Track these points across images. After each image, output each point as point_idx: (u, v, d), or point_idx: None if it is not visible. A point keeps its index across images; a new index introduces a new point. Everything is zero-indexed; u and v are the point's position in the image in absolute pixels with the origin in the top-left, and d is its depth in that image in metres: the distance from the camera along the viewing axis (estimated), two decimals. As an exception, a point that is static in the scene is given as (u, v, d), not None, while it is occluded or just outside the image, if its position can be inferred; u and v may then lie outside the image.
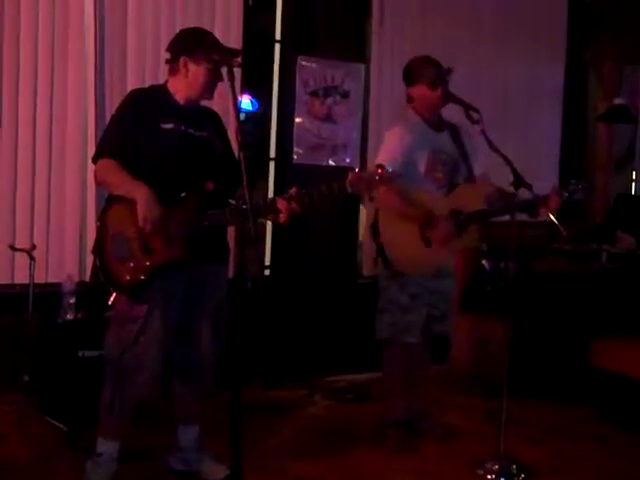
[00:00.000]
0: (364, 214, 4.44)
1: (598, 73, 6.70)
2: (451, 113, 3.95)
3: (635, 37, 6.20)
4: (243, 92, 4.92)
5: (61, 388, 3.88)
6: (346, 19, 5.43)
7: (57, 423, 3.85)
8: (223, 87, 3.12)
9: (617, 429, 4.27)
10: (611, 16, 6.42)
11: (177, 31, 3.38)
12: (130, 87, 4.29)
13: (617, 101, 6.27)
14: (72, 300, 4.07)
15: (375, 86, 5.45)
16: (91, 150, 4.02)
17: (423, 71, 3.83)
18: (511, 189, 3.58)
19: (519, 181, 3.53)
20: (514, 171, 3.53)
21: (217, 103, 3.76)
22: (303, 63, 5.22)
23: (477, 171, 3.97)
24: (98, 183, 3.40)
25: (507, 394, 3.57)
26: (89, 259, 4.33)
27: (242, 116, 4.92)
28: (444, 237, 3.74)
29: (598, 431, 4.25)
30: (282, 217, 3.03)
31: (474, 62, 5.78)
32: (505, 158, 3.53)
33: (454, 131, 3.95)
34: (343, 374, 5.11)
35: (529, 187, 3.58)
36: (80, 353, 3.87)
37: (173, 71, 3.23)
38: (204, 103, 3.38)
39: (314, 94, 5.27)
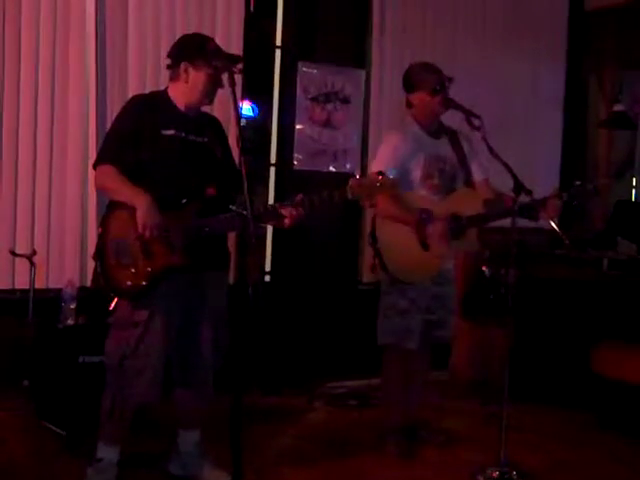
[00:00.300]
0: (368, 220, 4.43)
1: (598, 79, 6.71)
2: (452, 119, 3.95)
3: (635, 43, 6.21)
4: (244, 98, 4.93)
5: (61, 394, 3.88)
6: (346, 25, 5.45)
7: (57, 429, 3.85)
8: (224, 93, 3.13)
9: (617, 436, 4.26)
10: (611, 22, 6.43)
11: (178, 37, 3.39)
12: (131, 93, 4.30)
13: (617, 107, 6.28)
14: (73, 305, 4.07)
15: (375, 92, 5.46)
16: (92, 156, 4.03)
17: (423, 77, 3.83)
18: (511, 195, 3.58)
19: (519, 187, 3.53)
20: (514, 177, 3.54)
21: (218, 109, 3.77)
22: (304, 69, 5.24)
23: (477, 177, 3.97)
24: (98, 189, 3.42)
25: (507, 400, 3.57)
26: (90, 264, 4.33)
27: (243, 122, 4.93)
28: (440, 235, 3.73)
29: (598, 438, 4.25)
30: (287, 222, 3.05)
31: (474, 69, 5.79)
32: (505, 164, 3.54)
33: (453, 137, 3.95)
34: (343, 380, 5.10)
35: (529, 193, 3.58)
36: (81, 359, 3.87)
37: (174, 77, 3.23)
38: (205, 109, 3.38)
39: (315, 100, 5.28)
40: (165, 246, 3.06)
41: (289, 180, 5.20)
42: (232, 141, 3.29)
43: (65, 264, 4.44)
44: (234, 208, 3.07)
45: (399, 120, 4.12)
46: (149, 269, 3.06)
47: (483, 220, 3.86)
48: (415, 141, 3.84)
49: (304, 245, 5.24)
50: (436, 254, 3.77)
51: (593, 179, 6.16)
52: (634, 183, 6.89)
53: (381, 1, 5.43)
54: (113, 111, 4.24)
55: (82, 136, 4.44)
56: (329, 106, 5.35)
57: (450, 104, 3.82)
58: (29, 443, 3.78)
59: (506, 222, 3.69)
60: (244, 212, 2.74)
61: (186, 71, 3.18)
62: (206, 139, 3.25)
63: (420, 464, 3.81)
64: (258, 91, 5.26)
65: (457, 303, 4.50)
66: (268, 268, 5.25)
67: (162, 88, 3.35)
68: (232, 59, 3.10)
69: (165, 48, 3.40)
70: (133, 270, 3.07)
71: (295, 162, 5.25)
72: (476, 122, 3.66)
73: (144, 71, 4.57)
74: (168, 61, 3.26)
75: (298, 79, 5.22)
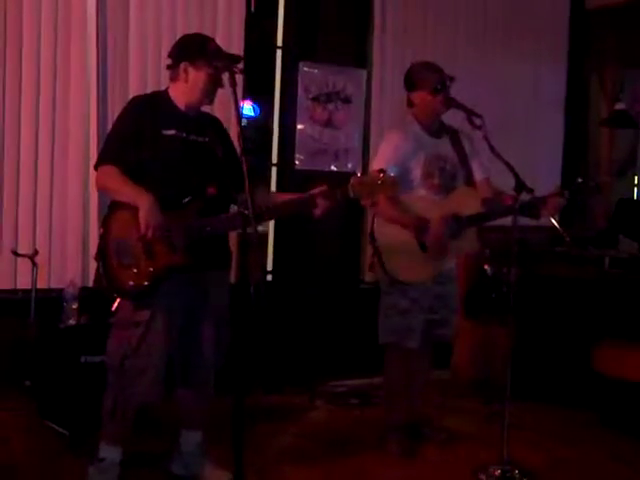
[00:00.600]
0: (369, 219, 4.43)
1: (600, 78, 6.71)
2: (453, 119, 3.96)
3: (636, 42, 6.21)
4: (245, 98, 4.94)
5: (63, 393, 3.88)
6: (347, 25, 5.45)
7: (59, 428, 3.85)
8: (225, 93, 3.14)
9: (618, 434, 4.26)
10: (612, 21, 6.43)
11: (179, 37, 3.40)
12: (132, 93, 4.31)
13: (619, 106, 6.28)
14: (75, 305, 4.08)
15: (376, 92, 5.46)
16: (93, 156, 4.04)
17: (424, 76, 3.84)
18: (512, 194, 3.58)
19: (521, 185, 3.54)
20: (516, 176, 3.54)
21: (219, 109, 3.78)
22: (305, 69, 5.24)
23: (478, 176, 3.97)
24: (100, 189, 3.42)
25: (509, 399, 3.57)
26: (92, 264, 4.33)
27: (244, 122, 4.93)
28: (438, 239, 3.74)
29: (600, 436, 4.25)
30: (318, 211, 3.09)
31: (475, 68, 5.79)
32: (507, 163, 3.54)
33: (454, 136, 3.95)
34: (345, 379, 5.11)
35: (531, 191, 3.58)
36: (82, 358, 3.88)
37: (174, 77, 3.24)
38: (206, 109, 3.39)
39: (316, 100, 5.28)
40: (167, 246, 3.06)
41: (290, 180, 5.20)
42: (234, 141, 3.30)
43: (67, 264, 4.45)
44: (235, 207, 3.09)
45: (400, 119, 4.13)
46: (151, 269, 3.06)
47: (483, 219, 3.86)
48: (416, 140, 3.84)
49: (306, 244, 5.25)
50: (434, 255, 3.77)
51: (595, 177, 6.17)
52: (636, 181, 6.91)
53: (382, 1, 5.43)
54: (114, 111, 4.24)
55: (83, 136, 4.44)
56: (330, 106, 5.35)
57: (451, 103, 3.82)
58: (31, 443, 3.79)
59: (507, 221, 3.68)
60: (245, 212, 2.75)
61: (186, 71, 3.18)
62: (207, 139, 3.26)
63: (421, 463, 3.82)
64: (259, 91, 5.27)
65: (459, 302, 4.50)
66: (270, 267, 5.25)
67: (163, 88, 3.36)
68: (232, 59, 3.11)
69: (166, 48, 3.40)
70: (135, 270, 3.07)
71: (296, 162, 5.25)
72: (477, 121, 3.66)
73: (145, 71, 4.57)
74: (168, 61, 3.27)
75: (299, 79, 5.22)
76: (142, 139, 3.13)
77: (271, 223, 5.21)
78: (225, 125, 3.50)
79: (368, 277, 4.10)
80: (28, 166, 4.32)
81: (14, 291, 4.33)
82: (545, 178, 5.62)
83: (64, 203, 4.42)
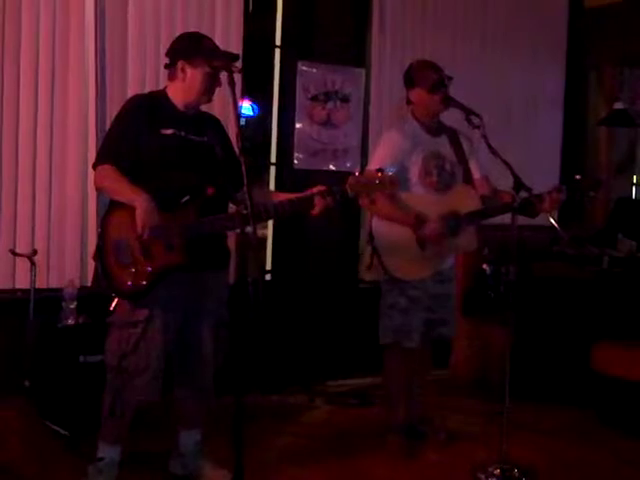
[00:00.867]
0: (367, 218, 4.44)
1: (598, 77, 6.71)
2: (452, 118, 3.95)
3: (635, 41, 6.21)
4: (243, 97, 4.93)
5: (62, 393, 3.88)
6: (346, 24, 5.44)
7: (58, 428, 3.85)
8: (224, 93, 3.13)
9: (618, 433, 4.27)
10: (611, 20, 6.42)
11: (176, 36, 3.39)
12: (131, 93, 4.30)
13: (617, 105, 6.28)
14: (73, 305, 4.07)
15: (375, 91, 5.46)
16: (92, 155, 4.02)
17: (423, 75, 3.84)
18: (510, 192, 3.58)
19: (519, 184, 3.54)
20: (514, 175, 3.54)
21: (217, 108, 3.77)
22: (303, 68, 5.23)
23: (477, 174, 3.97)
24: (98, 189, 3.42)
25: (508, 398, 3.57)
26: (90, 264, 4.31)
27: (242, 121, 4.93)
28: (436, 237, 3.74)
29: (599, 435, 4.25)
30: (315, 211, 3.08)
31: (474, 67, 5.79)
32: (505, 162, 3.54)
33: (453, 135, 3.95)
34: (344, 379, 5.11)
35: (529, 190, 3.57)
36: (81, 358, 3.88)
37: (172, 76, 3.24)
38: (205, 108, 3.38)
39: (314, 99, 5.28)
40: (165, 246, 3.06)
41: (289, 179, 5.20)
42: (233, 140, 3.30)
43: (66, 264, 4.44)
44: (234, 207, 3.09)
45: (397, 117, 4.12)
46: (149, 269, 3.06)
47: (482, 216, 3.86)
48: (414, 138, 3.84)
49: (305, 244, 5.25)
50: (433, 253, 3.77)
51: (593, 176, 6.17)
52: (634, 180, 6.91)
53: (381, 0, 5.42)
54: (113, 111, 4.22)
55: (82, 136, 4.43)
56: (329, 105, 5.34)
57: (450, 102, 3.81)
58: (30, 443, 3.78)
59: (506, 220, 3.68)
60: (244, 211, 2.75)
61: (183, 70, 3.18)
62: (205, 138, 3.26)
63: (421, 462, 3.82)
64: (258, 90, 5.26)
65: (458, 301, 4.51)
66: (269, 267, 5.25)
67: (161, 88, 3.35)
68: (229, 57, 3.11)
69: (164, 48, 3.39)
70: (133, 270, 3.07)
71: (295, 161, 5.25)
72: (476, 120, 3.65)
73: (144, 71, 4.56)
74: (166, 60, 3.26)
75: (298, 78, 5.22)
76: (140, 138, 3.13)
77: (270, 222, 5.21)
78: (224, 124, 3.50)
79: (367, 276, 4.09)
80: (27, 166, 4.31)
81: (13, 291, 4.32)
82: (543, 177, 5.60)
83: (63, 203, 4.41)
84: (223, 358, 3.35)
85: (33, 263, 4.07)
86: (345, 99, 5.40)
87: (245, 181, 2.71)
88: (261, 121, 5.27)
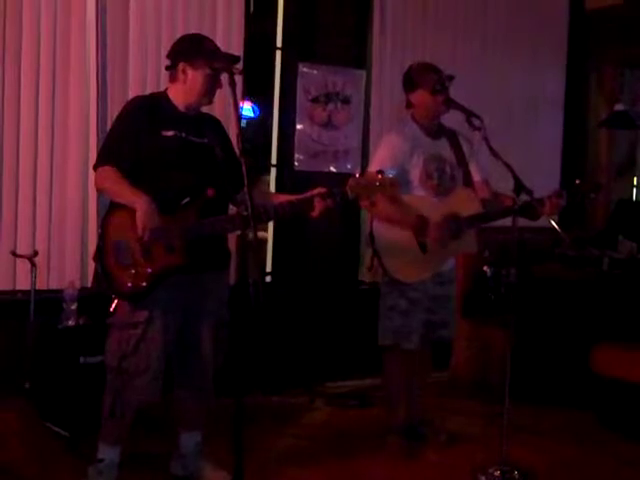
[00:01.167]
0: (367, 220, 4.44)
1: (599, 79, 6.71)
2: (453, 120, 3.95)
3: (635, 43, 6.21)
4: (244, 99, 4.93)
5: (62, 394, 3.88)
6: (347, 25, 5.45)
7: (58, 429, 3.85)
8: (224, 93, 3.13)
9: (618, 435, 4.27)
10: (612, 22, 6.43)
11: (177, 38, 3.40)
12: (132, 94, 4.31)
13: (618, 107, 6.29)
14: (74, 306, 4.07)
15: (376, 92, 5.46)
16: (92, 157, 4.02)
17: (424, 77, 3.83)
18: (511, 195, 3.59)
19: (520, 187, 3.54)
20: (515, 177, 3.54)
21: (218, 110, 3.77)
22: (304, 70, 5.24)
23: (477, 177, 3.97)
24: (98, 190, 3.43)
25: (508, 400, 3.57)
26: (91, 265, 4.32)
27: (243, 123, 4.93)
28: (439, 240, 3.74)
29: (599, 437, 4.25)
30: (315, 212, 3.08)
31: (475, 69, 5.80)
32: (506, 164, 3.54)
33: (453, 138, 3.95)
34: (344, 380, 5.11)
35: (530, 193, 3.58)
36: (82, 359, 3.88)
37: (173, 78, 3.24)
38: (205, 109, 3.39)
39: (315, 100, 5.28)
40: (165, 247, 3.06)
41: (290, 180, 5.20)
42: (233, 141, 3.30)
43: (66, 265, 4.44)
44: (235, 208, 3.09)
45: (397, 119, 4.12)
46: (149, 270, 3.06)
47: (482, 220, 3.86)
48: (414, 141, 3.84)
49: (305, 245, 5.25)
50: (434, 256, 3.77)
51: (594, 179, 6.18)
52: (635, 182, 6.91)
53: (381, 1, 5.43)
54: (114, 112, 4.22)
55: (83, 137, 4.43)
56: (329, 106, 5.35)
57: (451, 104, 3.81)
58: (31, 444, 3.78)
59: (506, 222, 3.69)
60: (245, 212, 2.75)
61: (184, 71, 3.18)
62: (206, 140, 3.26)
63: (421, 463, 3.82)
64: (258, 92, 5.26)
65: (458, 303, 4.51)
66: (269, 268, 5.25)
67: (163, 89, 3.36)
68: (230, 59, 3.11)
69: (165, 49, 3.40)
70: (133, 271, 3.07)
71: (296, 163, 5.25)
72: (476, 122, 3.65)
73: (145, 72, 4.57)
74: (167, 62, 3.27)
75: (298, 80, 5.22)
76: (141, 140, 3.13)
77: (270, 224, 5.21)
78: (224, 125, 3.50)
79: (367, 278, 4.10)
80: (27, 167, 4.31)
81: (13, 292, 4.32)
82: (544, 179, 5.62)
83: (63, 204, 4.41)
84: (223, 358, 3.35)
85: (34, 264, 4.07)
86: (346, 100, 5.40)
87: (245, 182, 2.72)
88: (262, 122, 5.27)
